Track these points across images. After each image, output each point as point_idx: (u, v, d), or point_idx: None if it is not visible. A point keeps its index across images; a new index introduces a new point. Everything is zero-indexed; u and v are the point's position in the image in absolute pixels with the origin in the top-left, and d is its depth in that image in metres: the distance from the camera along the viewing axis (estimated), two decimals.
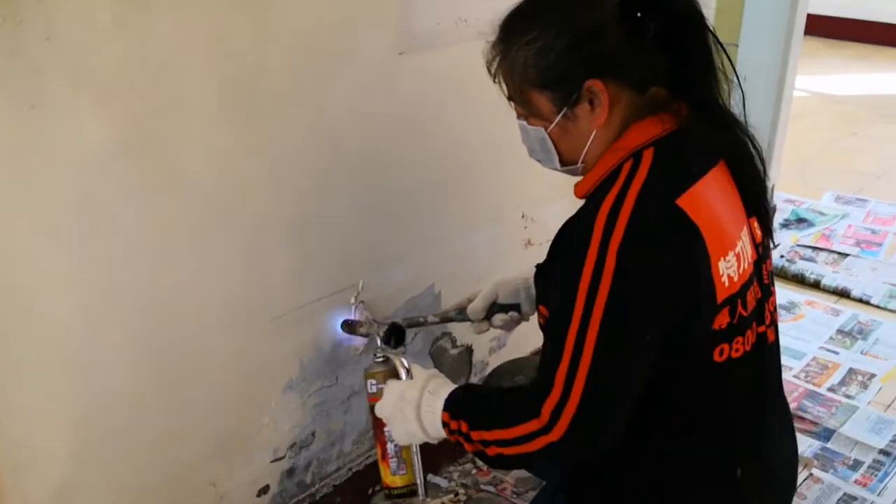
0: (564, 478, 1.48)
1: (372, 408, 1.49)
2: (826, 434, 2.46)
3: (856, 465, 2.34)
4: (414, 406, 1.38)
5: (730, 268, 1.24)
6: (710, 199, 1.24)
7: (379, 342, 1.61)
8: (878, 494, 2.24)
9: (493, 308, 1.68)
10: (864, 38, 7.05)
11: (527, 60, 1.26)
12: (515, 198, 2.20)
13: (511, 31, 1.29)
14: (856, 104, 5.63)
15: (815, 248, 3.59)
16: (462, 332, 2.17)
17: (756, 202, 1.35)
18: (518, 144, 1.39)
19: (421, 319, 1.72)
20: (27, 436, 1.38)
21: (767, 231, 1.38)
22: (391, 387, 1.45)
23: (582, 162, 1.33)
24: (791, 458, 1.48)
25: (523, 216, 2.24)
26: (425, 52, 1.80)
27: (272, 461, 1.81)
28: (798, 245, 3.61)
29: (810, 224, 3.79)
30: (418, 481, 1.55)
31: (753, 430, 1.36)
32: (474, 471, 2.25)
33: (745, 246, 1.29)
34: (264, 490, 1.81)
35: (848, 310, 3.15)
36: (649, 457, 1.34)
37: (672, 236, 1.20)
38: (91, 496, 1.50)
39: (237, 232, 1.57)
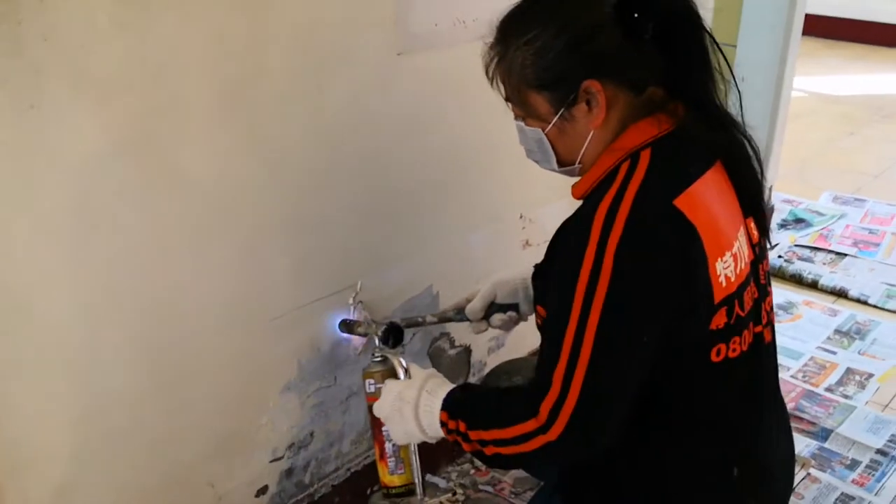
0: (562, 478, 1.49)
1: (370, 407, 1.50)
2: (824, 434, 2.46)
3: (853, 464, 2.35)
4: (412, 406, 1.38)
5: (727, 268, 1.24)
6: (708, 199, 1.25)
7: (377, 342, 1.61)
8: (876, 494, 2.24)
9: (492, 308, 1.68)
10: (862, 39, 7.06)
11: (524, 61, 1.27)
12: (514, 198, 2.20)
13: (509, 31, 1.29)
14: (854, 104, 5.63)
15: (812, 249, 3.59)
16: (460, 333, 2.17)
17: (753, 202, 1.36)
18: (516, 145, 1.40)
19: (419, 319, 1.73)
20: (26, 436, 1.38)
21: (764, 231, 1.39)
22: (389, 386, 1.45)
23: (579, 163, 1.33)
24: (788, 458, 1.48)
25: (521, 217, 2.24)
26: (423, 53, 1.81)
27: (271, 461, 1.81)
28: (796, 245, 3.61)
29: (808, 224, 3.79)
30: (416, 481, 1.55)
31: (750, 430, 1.37)
32: (472, 471, 2.25)
33: (741, 246, 1.30)
34: (263, 490, 1.81)
35: (846, 310, 3.16)
36: (646, 457, 1.34)
37: (670, 237, 1.20)
38: (90, 496, 1.50)
39: (236, 232, 1.58)
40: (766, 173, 1.39)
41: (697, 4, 1.28)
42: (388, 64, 1.74)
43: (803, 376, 2.74)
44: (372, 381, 1.53)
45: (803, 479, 2.28)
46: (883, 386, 2.70)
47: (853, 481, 2.28)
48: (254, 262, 1.63)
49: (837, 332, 3.01)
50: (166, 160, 1.43)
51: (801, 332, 2.99)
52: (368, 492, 2.06)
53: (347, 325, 1.72)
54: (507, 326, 1.69)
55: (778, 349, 1.46)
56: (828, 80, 6.12)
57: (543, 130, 1.31)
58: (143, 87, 1.36)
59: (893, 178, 4.41)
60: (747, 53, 3.02)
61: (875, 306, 3.18)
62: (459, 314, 1.71)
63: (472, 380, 2.27)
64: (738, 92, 1.36)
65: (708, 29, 1.29)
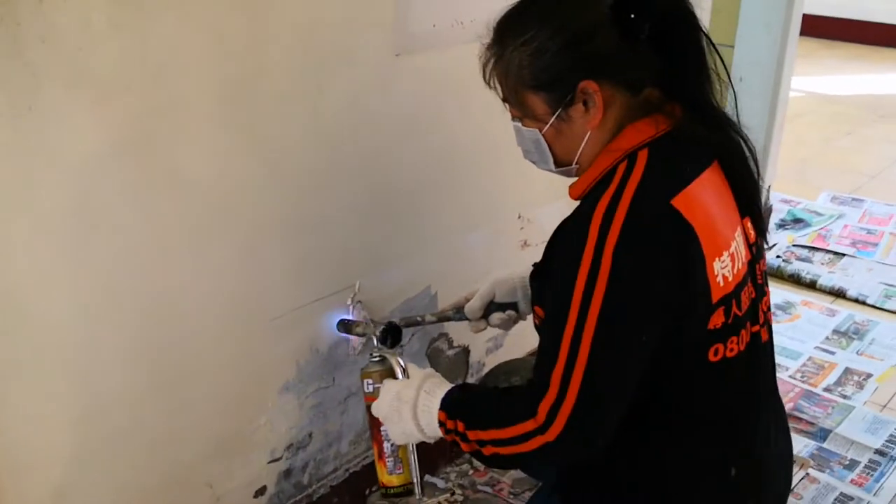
0: (560, 478, 1.49)
1: (368, 407, 1.50)
2: (822, 434, 2.47)
3: (852, 464, 2.35)
4: (410, 405, 1.38)
5: (724, 268, 1.25)
6: (705, 199, 1.25)
7: (375, 342, 1.61)
8: (875, 494, 2.24)
9: (491, 307, 1.68)
10: (859, 39, 7.06)
11: (521, 62, 1.27)
12: (512, 198, 2.20)
13: (506, 32, 1.30)
14: (852, 104, 5.64)
15: (811, 249, 3.60)
16: (459, 333, 2.17)
17: (750, 202, 1.36)
18: (515, 145, 1.40)
19: (418, 319, 1.73)
20: (25, 437, 1.38)
21: (761, 231, 1.39)
22: (387, 386, 1.45)
23: (576, 163, 1.34)
24: (786, 458, 1.48)
25: (520, 217, 2.24)
26: (422, 54, 1.81)
27: (269, 462, 1.81)
28: (794, 245, 3.62)
29: (806, 224, 3.79)
30: (415, 480, 1.55)
31: (748, 430, 1.37)
32: (471, 471, 2.25)
33: (739, 246, 1.30)
34: (261, 491, 1.81)
35: (844, 310, 3.16)
36: (645, 456, 1.34)
37: (667, 237, 1.20)
38: (89, 497, 1.50)
39: (235, 233, 1.58)
40: (764, 173, 1.39)
41: (693, 5, 1.28)
42: (386, 64, 1.74)
43: (802, 376, 2.74)
44: (370, 381, 1.53)
45: (802, 479, 2.28)
46: (881, 386, 2.70)
47: (852, 481, 2.29)
48: (253, 262, 1.63)
49: (836, 332, 3.02)
50: (165, 160, 1.43)
51: (799, 333, 3.00)
52: (367, 492, 2.06)
53: (346, 326, 1.72)
54: (506, 325, 1.69)
55: (777, 349, 1.46)
56: (826, 80, 6.13)
57: (540, 131, 1.31)
58: (141, 87, 1.36)
59: (891, 178, 4.42)
60: (745, 54, 3.03)
61: (873, 306, 3.19)
62: (458, 313, 1.71)
63: (471, 380, 2.27)
64: (734, 92, 1.37)
65: (704, 29, 1.29)
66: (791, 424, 2.15)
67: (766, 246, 1.42)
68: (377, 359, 1.55)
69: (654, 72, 1.28)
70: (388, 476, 1.55)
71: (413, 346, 2.06)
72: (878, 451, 2.39)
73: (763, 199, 3.11)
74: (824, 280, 3.33)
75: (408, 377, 1.46)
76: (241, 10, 1.46)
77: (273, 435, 1.79)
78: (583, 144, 1.31)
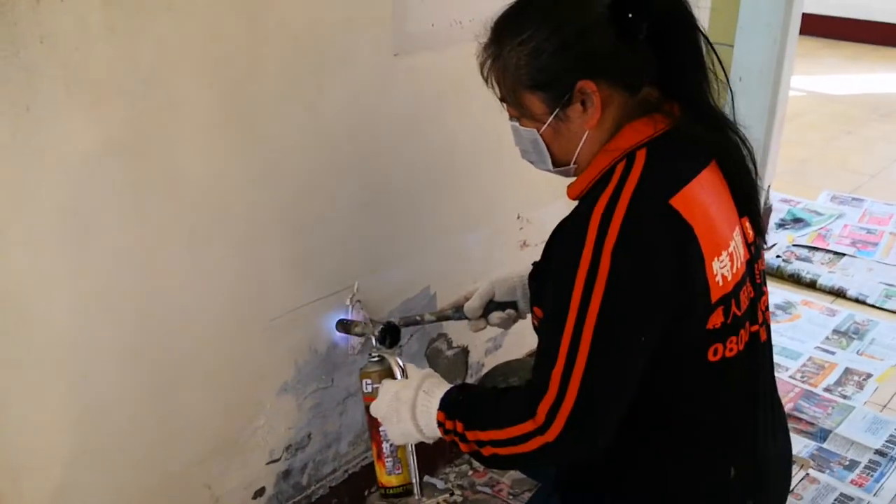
0: (560, 478, 1.48)
1: (367, 407, 1.49)
2: (822, 434, 2.46)
3: (852, 465, 2.34)
4: (409, 406, 1.38)
5: (723, 267, 1.24)
6: (703, 199, 1.25)
7: (374, 342, 1.61)
8: (875, 495, 2.24)
9: (490, 306, 1.68)
10: (859, 38, 7.06)
11: (519, 61, 1.26)
12: (511, 199, 2.20)
13: (503, 32, 1.29)
14: (851, 104, 5.64)
15: (811, 248, 3.59)
16: (458, 334, 2.17)
17: (748, 202, 1.36)
18: (513, 145, 1.39)
19: (417, 318, 1.72)
20: (24, 438, 1.38)
21: (759, 231, 1.39)
22: (386, 386, 1.45)
23: (574, 163, 1.33)
24: (785, 458, 1.48)
25: (519, 217, 2.24)
26: (420, 54, 1.81)
27: (268, 463, 1.81)
28: (794, 245, 3.61)
29: (806, 224, 3.79)
30: (414, 481, 1.55)
31: (747, 430, 1.37)
32: (470, 472, 2.25)
33: (737, 245, 1.30)
34: (260, 492, 1.81)
35: (844, 310, 3.16)
36: (643, 456, 1.34)
37: (666, 236, 1.20)
38: (87, 498, 1.50)
39: (233, 233, 1.57)
40: (764, 173, 1.39)
41: (691, 4, 1.28)
42: (385, 64, 1.74)
43: (802, 376, 2.74)
44: (369, 381, 1.52)
45: (802, 479, 2.28)
46: (881, 386, 2.70)
47: (852, 482, 2.28)
48: (251, 262, 1.62)
49: (836, 332, 3.01)
50: (164, 160, 1.43)
51: (799, 333, 2.99)
52: (366, 493, 2.06)
53: (344, 326, 1.72)
54: (506, 324, 1.69)
55: (777, 349, 1.46)
56: (825, 79, 6.13)
57: (538, 131, 1.31)
58: (139, 88, 1.35)
59: (891, 178, 4.42)
60: (745, 53, 3.02)
61: (873, 306, 3.18)
62: (458, 312, 1.71)
63: (470, 381, 2.26)
64: (731, 92, 1.36)
65: (702, 29, 1.29)
66: (791, 425, 2.15)
67: (764, 245, 1.42)
68: (376, 359, 1.55)
69: (651, 71, 1.27)
70: (387, 476, 1.55)
71: (412, 346, 2.05)
72: (879, 452, 2.39)
73: (763, 199, 3.11)
74: (824, 280, 3.32)
75: (406, 377, 1.46)
76: (240, 11, 1.46)
77: (272, 436, 1.79)
78: (581, 144, 1.30)
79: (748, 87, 3.01)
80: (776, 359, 2.70)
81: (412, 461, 1.53)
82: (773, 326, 1.43)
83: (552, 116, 1.28)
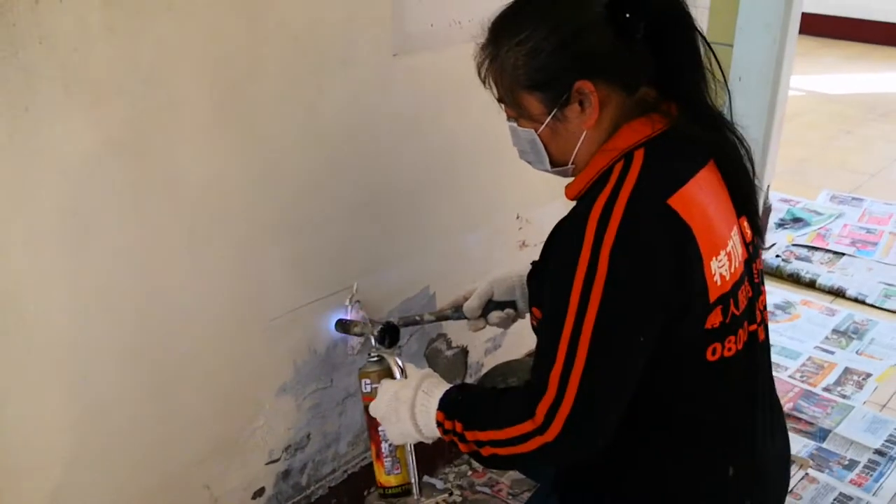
0: (559, 478, 1.48)
1: (366, 407, 1.49)
2: (821, 434, 2.46)
3: (851, 464, 2.35)
4: (408, 405, 1.38)
5: (722, 267, 1.24)
6: (701, 198, 1.25)
7: (373, 342, 1.61)
8: (874, 494, 2.24)
9: (489, 305, 1.68)
10: (859, 37, 7.07)
11: (517, 62, 1.26)
12: (510, 199, 2.20)
13: (501, 32, 1.29)
14: (851, 103, 5.64)
15: (810, 248, 3.60)
16: (457, 334, 2.17)
17: (746, 201, 1.36)
18: (512, 145, 1.39)
19: (417, 318, 1.72)
20: (23, 438, 1.38)
21: (757, 230, 1.39)
22: (385, 386, 1.45)
23: (572, 163, 1.34)
24: (783, 458, 1.48)
25: (518, 217, 2.24)
26: (419, 54, 1.81)
27: (267, 463, 1.81)
28: (793, 244, 3.62)
29: (806, 223, 3.79)
30: (413, 481, 1.55)
31: (746, 429, 1.37)
32: (470, 472, 2.25)
33: (735, 245, 1.30)
34: (259, 492, 1.81)
35: (843, 309, 3.16)
36: (642, 456, 1.34)
37: (664, 236, 1.20)
38: (86, 499, 1.50)
39: (233, 233, 1.57)
40: (763, 172, 1.39)
41: (689, 4, 1.28)
42: (383, 65, 1.74)
43: (801, 376, 2.74)
44: (368, 380, 1.52)
45: (801, 479, 2.28)
46: (881, 386, 2.70)
47: (851, 481, 2.29)
48: (251, 262, 1.62)
49: (835, 331, 3.02)
50: (163, 161, 1.43)
51: (798, 332, 2.99)
52: (365, 493, 2.06)
53: (343, 325, 1.72)
54: (505, 324, 1.69)
55: (776, 349, 1.46)
56: (825, 78, 6.13)
57: (536, 131, 1.31)
58: (139, 88, 1.35)
59: (891, 178, 4.42)
60: (744, 53, 3.02)
61: (873, 306, 3.18)
62: (457, 312, 1.71)
63: (469, 381, 2.26)
64: (729, 91, 1.37)
65: (699, 28, 1.29)
66: (790, 424, 2.15)
67: (762, 245, 1.42)
68: (375, 359, 1.55)
69: (649, 71, 1.27)
70: (386, 476, 1.55)
71: (411, 346, 2.05)
72: (878, 451, 2.39)
73: (762, 199, 3.10)
74: (824, 279, 3.32)
75: (406, 377, 1.46)
76: (240, 11, 1.46)
77: (271, 436, 1.79)
78: (579, 144, 1.30)
79: (747, 86, 3.01)
80: (776, 358, 2.71)
81: (411, 461, 1.53)
82: (772, 326, 1.44)
83: (550, 117, 1.28)
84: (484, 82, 1.33)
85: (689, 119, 1.29)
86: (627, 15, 1.21)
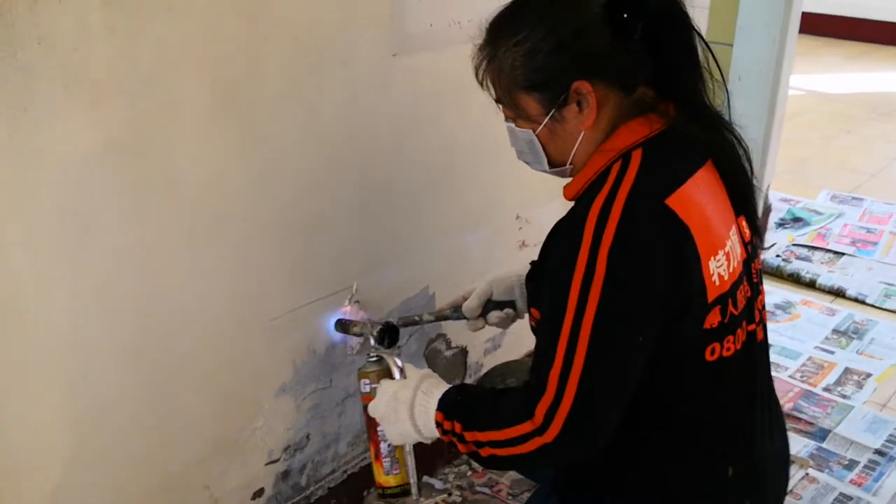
0: (558, 479, 1.48)
1: (365, 407, 1.49)
2: (821, 434, 2.46)
3: (851, 464, 2.34)
4: (407, 406, 1.38)
5: (720, 267, 1.24)
6: (699, 198, 1.25)
7: (373, 342, 1.61)
8: (874, 494, 2.24)
9: (488, 305, 1.68)
10: (859, 37, 7.07)
11: (514, 62, 1.26)
12: (510, 199, 2.20)
13: (498, 33, 1.29)
14: (851, 102, 5.64)
15: (810, 248, 3.60)
16: (457, 334, 2.17)
17: (744, 201, 1.36)
18: (511, 146, 1.39)
19: (416, 318, 1.72)
20: (22, 438, 1.38)
21: (756, 230, 1.39)
22: (384, 386, 1.45)
23: (570, 163, 1.34)
24: (782, 457, 1.48)
25: (518, 217, 2.24)
26: (419, 54, 1.81)
27: (266, 464, 1.81)
28: (794, 244, 3.61)
29: (806, 223, 3.79)
30: (412, 481, 1.55)
31: (745, 429, 1.37)
32: (469, 472, 2.25)
33: (734, 245, 1.30)
34: (259, 493, 1.81)
35: (843, 309, 3.16)
36: (642, 457, 1.34)
37: (662, 236, 1.20)
38: (86, 499, 1.50)
39: (232, 233, 1.58)
40: (763, 172, 1.39)
41: (687, 3, 1.28)
42: (382, 65, 1.74)
43: (801, 376, 2.74)
44: (367, 381, 1.53)
45: (801, 479, 2.28)
46: (881, 386, 2.70)
47: (851, 481, 2.28)
48: (250, 263, 1.62)
49: (835, 331, 3.01)
50: (163, 161, 1.43)
51: (799, 332, 2.99)
52: (365, 493, 2.06)
53: (343, 325, 1.72)
54: (504, 324, 1.69)
55: (776, 349, 1.46)
56: (825, 78, 6.13)
57: (534, 132, 1.31)
58: (137, 88, 1.36)
59: (891, 177, 4.42)
60: (744, 52, 3.02)
61: (873, 305, 3.18)
62: (456, 312, 1.71)
63: (469, 382, 2.26)
64: (727, 91, 1.37)
65: (697, 28, 1.29)
66: (790, 424, 2.15)
67: (761, 245, 1.42)
68: (374, 359, 1.55)
69: (647, 71, 1.27)
70: (385, 476, 1.55)
71: (411, 346, 2.05)
72: (878, 451, 2.39)
73: (761, 198, 3.10)
74: (824, 279, 3.32)
75: (405, 377, 1.46)
76: (240, 11, 1.46)
77: (270, 436, 1.79)
78: (576, 145, 1.30)
79: (747, 86, 3.01)
80: (776, 358, 2.72)
81: (410, 461, 1.53)
82: (772, 326, 1.44)
83: (548, 117, 1.28)
84: (481, 83, 1.33)
85: (686, 119, 1.29)
86: (625, 15, 1.21)
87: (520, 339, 2.29)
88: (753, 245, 1.38)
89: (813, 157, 4.65)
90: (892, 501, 2.21)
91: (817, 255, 3.54)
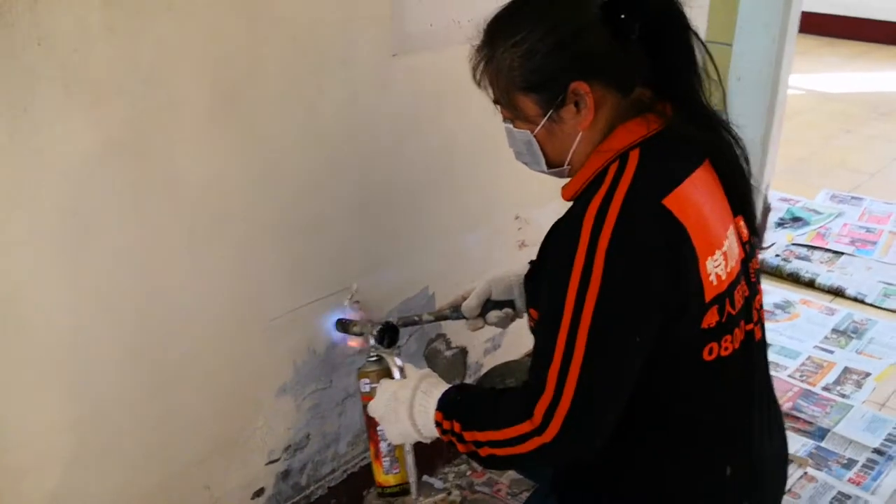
0: (557, 479, 1.49)
1: (365, 407, 1.50)
2: (820, 433, 2.47)
3: (850, 463, 2.35)
4: (407, 405, 1.38)
5: (717, 266, 1.25)
6: (697, 198, 1.25)
7: (372, 342, 1.61)
8: (872, 493, 2.24)
9: (488, 305, 1.68)
10: (859, 36, 7.07)
11: (512, 63, 1.27)
12: (510, 199, 2.20)
13: (496, 33, 1.29)
14: (851, 102, 5.64)
15: (810, 247, 3.60)
16: (457, 334, 2.17)
17: (742, 201, 1.36)
18: (509, 147, 1.40)
19: (416, 318, 1.73)
20: (22, 439, 1.38)
21: (754, 230, 1.39)
22: (384, 386, 1.45)
23: (568, 164, 1.34)
24: (781, 457, 1.48)
25: (517, 217, 2.24)
26: (419, 54, 1.81)
27: (267, 463, 1.81)
28: (793, 244, 3.62)
29: (805, 223, 3.79)
30: (411, 480, 1.55)
31: (743, 429, 1.37)
32: (469, 472, 2.25)
33: (731, 245, 1.30)
34: (259, 493, 1.81)
35: (843, 309, 3.16)
36: (640, 456, 1.34)
37: (659, 236, 1.20)
38: (86, 499, 1.50)
39: (232, 233, 1.58)
40: (762, 172, 1.40)
41: (686, 3, 1.28)
42: (382, 65, 1.74)
43: (800, 375, 2.74)
44: (367, 380, 1.53)
45: (800, 478, 2.28)
46: (880, 385, 2.70)
47: (850, 480, 2.29)
48: (250, 263, 1.63)
49: (835, 331, 3.02)
50: (162, 161, 1.43)
51: (798, 332, 2.99)
52: (365, 493, 2.06)
53: (343, 325, 1.72)
54: (503, 323, 1.69)
55: (775, 348, 1.46)
56: (825, 77, 6.13)
57: (532, 132, 1.31)
58: (139, 88, 1.36)
59: (891, 177, 4.42)
60: (744, 52, 3.02)
61: (872, 305, 3.19)
62: (455, 312, 1.71)
63: (469, 382, 2.26)
64: (724, 91, 1.37)
65: (694, 29, 1.29)
66: (789, 423, 2.15)
67: (759, 244, 1.43)
68: (374, 359, 1.55)
69: (645, 72, 1.28)
70: (385, 476, 1.55)
71: (411, 346, 2.06)
72: (876, 450, 2.39)
73: (761, 198, 3.10)
74: (823, 279, 3.33)
75: (405, 377, 1.46)
76: (240, 11, 1.46)
77: (271, 436, 1.79)
78: (574, 145, 1.31)
79: (747, 86, 3.01)
80: (775, 358, 2.72)
81: (410, 461, 1.53)
82: (772, 326, 1.44)
83: (546, 118, 1.29)
84: (479, 84, 1.33)
85: (684, 119, 1.29)
86: (623, 16, 1.21)
87: (519, 339, 2.29)
88: (751, 245, 1.38)
89: (812, 157, 4.65)
90: (891, 500, 2.22)
91: (817, 254, 3.54)
